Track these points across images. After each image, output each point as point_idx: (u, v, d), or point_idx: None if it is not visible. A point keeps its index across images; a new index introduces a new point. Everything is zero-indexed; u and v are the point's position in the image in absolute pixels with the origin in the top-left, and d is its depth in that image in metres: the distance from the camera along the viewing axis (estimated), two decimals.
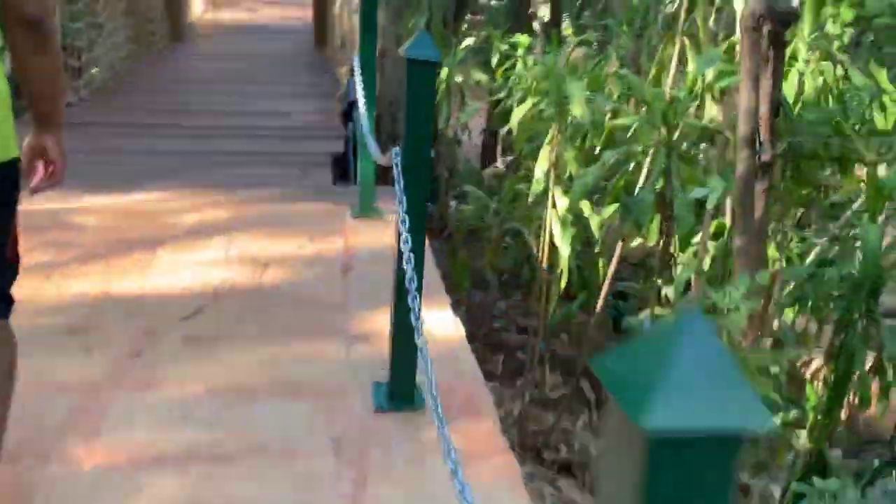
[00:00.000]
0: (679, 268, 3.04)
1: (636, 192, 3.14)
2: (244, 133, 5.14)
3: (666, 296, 3.32)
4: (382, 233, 3.36)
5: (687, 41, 3.39)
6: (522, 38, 7.13)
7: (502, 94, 6.83)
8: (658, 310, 3.44)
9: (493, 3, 8.98)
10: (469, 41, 6.96)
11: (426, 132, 2.01)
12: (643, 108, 3.34)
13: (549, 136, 3.88)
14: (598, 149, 3.74)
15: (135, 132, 4.96)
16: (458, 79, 6.75)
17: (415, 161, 1.99)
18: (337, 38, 8.18)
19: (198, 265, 2.93)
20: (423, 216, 2.00)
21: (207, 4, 12.35)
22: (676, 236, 3.10)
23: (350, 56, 6.18)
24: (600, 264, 3.88)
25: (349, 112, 4.66)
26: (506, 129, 6.45)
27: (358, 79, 3.49)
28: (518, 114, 4.47)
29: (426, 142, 2.03)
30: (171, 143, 4.83)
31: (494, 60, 7.11)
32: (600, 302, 3.79)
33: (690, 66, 3.34)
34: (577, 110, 3.43)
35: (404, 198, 1.91)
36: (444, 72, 6.79)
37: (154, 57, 7.77)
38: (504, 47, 7.13)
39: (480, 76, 6.93)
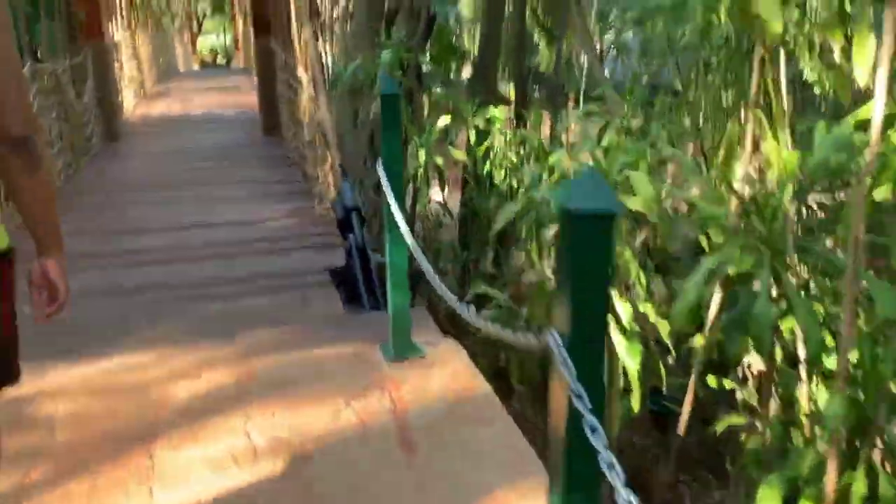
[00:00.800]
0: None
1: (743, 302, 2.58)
2: (215, 252, 4.43)
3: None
4: (431, 379, 2.71)
5: (761, 115, 2.89)
6: (496, 112, 6.66)
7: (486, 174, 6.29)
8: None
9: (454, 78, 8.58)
10: (444, 120, 6.44)
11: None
12: (729, 202, 2.81)
13: None
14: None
15: (87, 265, 4.21)
16: (438, 159, 6.22)
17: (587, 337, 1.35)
18: (287, 125, 7.59)
19: (214, 466, 2.22)
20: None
21: (137, 98, 11.63)
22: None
23: (314, 147, 5.60)
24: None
25: (348, 219, 4.02)
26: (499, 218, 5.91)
27: (386, 184, 2.87)
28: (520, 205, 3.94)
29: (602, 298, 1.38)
30: (131, 275, 4.09)
31: (470, 136, 6.61)
32: (681, 426, 3.20)
33: (770, 146, 2.84)
34: (647, 208, 2.88)
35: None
36: (420, 154, 6.24)
37: (92, 163, 7.01)
38: (477, 122, 6.64)
39: (460, 155, 6.40)
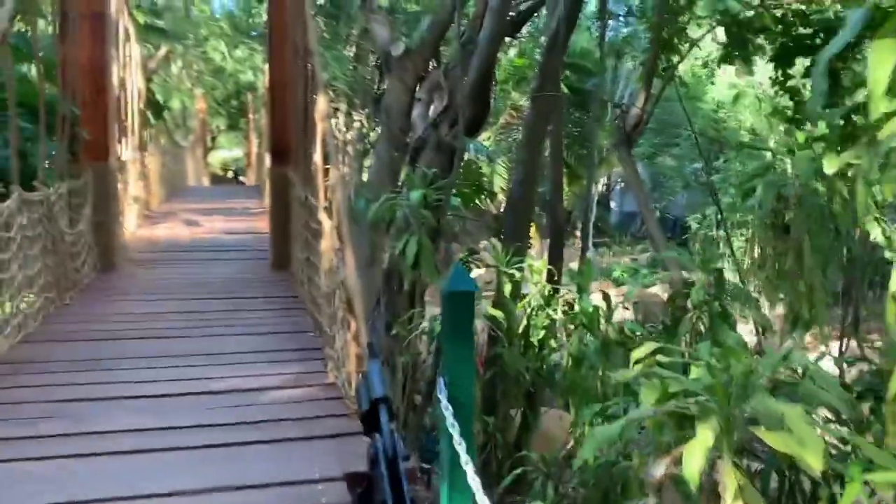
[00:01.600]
0: None
1: None
2: (205, 440, 3.57)
3: None
4: None
5: None
6: (536, 263, 5.94)
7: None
8: None
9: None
10: (479, 272, 5.70)
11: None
12: None
13: (700, 441, 2.45)
14: None
15: (48, 455, 3.34)
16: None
17: None
18: (299, 264, 6.87)
19: None
20: None
21: (141, 219, 11.01)
22: None
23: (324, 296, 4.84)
24: None
25: (374, 413, 3.19)
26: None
27: (449, 418, 2.08)
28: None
29: None
30: (85, 482, 3.21)
31: (504, 288, 5.87)
32: None
33: None
34: (814, 460, 2.06)
35: None
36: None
37: (78, 300, 6.23)
38: (512, 273, 5.93)
39: (496, 312, 5.63)
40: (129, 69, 10.98)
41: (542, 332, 5.42)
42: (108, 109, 7.68)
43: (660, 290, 22.48)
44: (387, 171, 9.15)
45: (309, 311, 5.69)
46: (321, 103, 4.78)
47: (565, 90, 12.32)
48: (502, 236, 6.90)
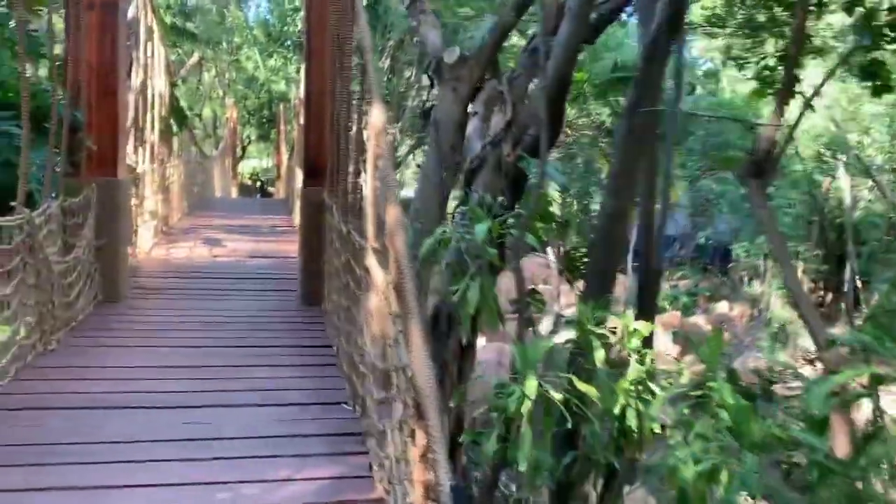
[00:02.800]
0: None
1: None
2: None
3: None
4: None
5: None
6: (636, 324, 4.74)
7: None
8: None
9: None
10: (558, 340, 4.54)
11: None
12: None
13: None
14: None
15: None
16: (555, 394, 4.28)
17: None
18: (334, 306, 5.75)
19: None
20: None
21: (158, 236, 9.96)
22: None
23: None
24: None
25: None
26: None
27: None
28: None
29: None
30: None
31: (596, 355, 4.67)
32: None
33: None
34: None
35: None
36: (529, 385, 4.32)
37: (68, 344, 5.12)
38: (603, 334, 4.75)
39: (587, 389, 4.42)
40: (150, 72, 9.98)
41: (652, 423, 4.21)
42: (119, 115, 6.62)
43: (702, 321, 21.10)
44: (435, 196, 7.99)
45: (345, 375, 4.53)
46: (376, 116, 3.65)
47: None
48: (585, 282, 5.72)
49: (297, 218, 12.10)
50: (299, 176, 11.75)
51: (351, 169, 5.20)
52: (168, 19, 13.46)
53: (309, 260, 6.97)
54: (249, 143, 38.71)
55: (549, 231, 6.39)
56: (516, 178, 6.87)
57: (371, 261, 3.61)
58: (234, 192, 29.03)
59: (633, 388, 4.33)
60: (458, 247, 5.57)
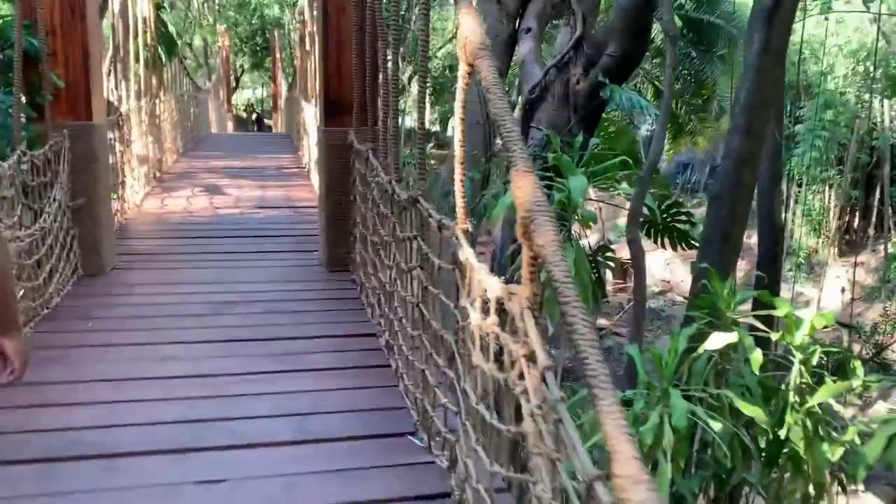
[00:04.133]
0: None
1: None
2: None
3: None
4: None
5: None
6: (807, 315, 3.53)
7: None
8: None
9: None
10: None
11: None
12: None
13: None
14: None
15: None
16: (714, 424, 3.12)
17: None
18: (367, 274, 4.56)
19: None
20: None
21: (151, 184, 8.67)
22: None
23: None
24: None
25: None
26: None
27: None
28: None
29: None
30: None
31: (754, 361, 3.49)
32: None
33: None
34: None
35: None
36: (676, 412, 3.15)
37: (35, 347, 3.90)
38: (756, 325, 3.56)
39: (754, 411, 3.25)
40: None
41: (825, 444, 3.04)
42: (91, 42, 5.26)
43: None
44: (479, 136, 6.67)
45: (409, 393, 3.32)
46: (469, 24, 2.38)
47: (678, 21, 9.70)
48: (700, 248, 4.50)
49: (305, 157, 10.78)
50: (307, 109, 10.38)
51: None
52: None
53: (333, 216, 5.71)
54: (243, 72, 36.86)
55: (635, 174, 5.14)
56: (589, 110, 5.57)
57: (468, 257, 2.36)
58: (230, 127, 27.51)
59: (807, 411, 3.14)
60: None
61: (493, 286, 2.13)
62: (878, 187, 18.87)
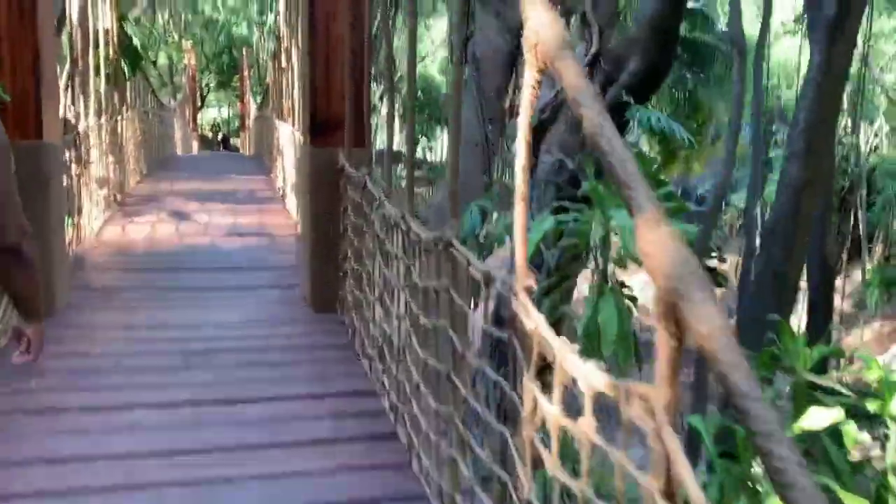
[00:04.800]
0: None
1: None
2: None
3: None
4: None
5: None
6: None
7: None
8: None
9: None
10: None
11: None
12: None
13: None
14: None
15: None
16: None
17: None
18: (360, 315, 3.95)
19: None
20: None
21: (112, 208, 7.95)
22: None
23: None
24: None
25: None
26: None
27: None
28: None
29: None
30: None
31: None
32: None
33: None
34: None
35: None
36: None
37: None
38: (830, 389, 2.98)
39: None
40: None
41: None
42: (43, 51, 4.59)
43: None
44: (477, 158, 6.10)
45: (418, 466, 2.69)
46: (540, 17, 1.77)
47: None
48: (751, 288, 3.94)
49: (279, 180, 10.12)
50: (282, 129, 9.74)
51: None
52: None
53: (319, 248, 5.06)
54: (209, 91, 36.04)
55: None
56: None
57: (539, 325, 1.75)
58: (195, 147, 26.69)
59: None
60: (559, 244, 3.74)
61: (593, 377, 1.52)
62: (851, 213, 18.80)
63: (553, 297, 3.83)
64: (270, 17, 26.98)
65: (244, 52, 27.71)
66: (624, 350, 3.29)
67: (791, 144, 3.99)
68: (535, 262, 3.66)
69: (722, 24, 10.39)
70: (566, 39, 1.84)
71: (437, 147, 28.39)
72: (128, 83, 10.46)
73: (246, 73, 27.17)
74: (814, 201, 4.01)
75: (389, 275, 3.35)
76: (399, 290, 3.10)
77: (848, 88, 19.27)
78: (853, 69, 18.76)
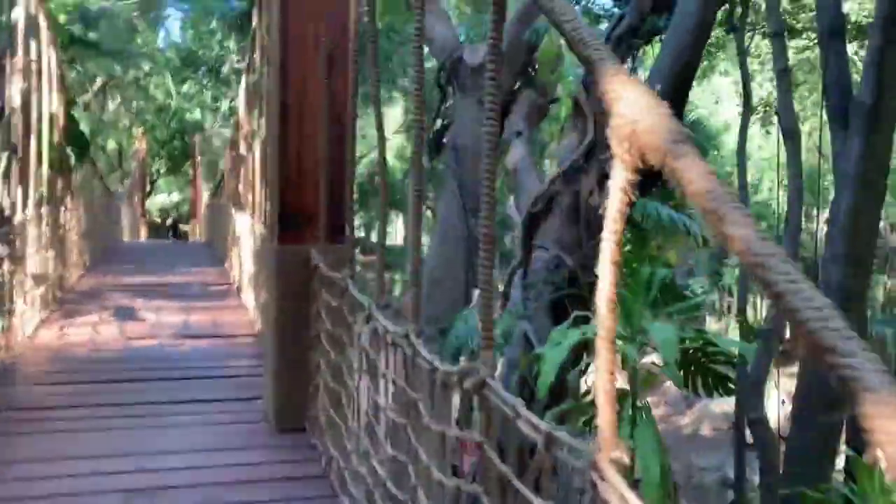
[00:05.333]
0: None
1: None
2: None
3: None
4: None
5: None
6: None
7: None
8: None
9: None
10: None
11: None
12: None
13: None
14: None
15: None
16: None
17: None
18: (332, 434, 3.36)
19: None
20: None
21: (48, 309, 7.22)
22: None
23: None
24: None
25: None
26: None
27: None
28: None
29: None
30: None
31: None
32: None
33: None
34: None
35: None
36: None
37: None
38: None
39: None
40: (36, 82, 7.30)
41: None
42: None
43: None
44: (459, 255, 5.63)
45: None
46: (639, 100, 1.27)
47: None
48: (796, 414, 3.45)
49: (234, 271, 9.50)
50: (239, 219, 9.18)
51: None
52: (60, 16, 10.67)
53: (284, 356, 4.45)
54: (159, 176, 35.34)
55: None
56: (602, 224, 4.60)
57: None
58: (143, 234, 25.85)
59: None
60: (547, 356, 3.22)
61: None
62: None
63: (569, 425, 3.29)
64: (224, 104, 26.72)
65: (196, 138, 27.29)
66: (664, 491, 2.75)
67: (830, 248, 3.60)
68: (554, 387, 3.10)
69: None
70: (681, 131, 1.34)
71: (393, 231, 28.02)
72: (74, 170, 9.84)
73: (198, 160, 26.67)
74: (862, 313, 3.61)
75: (383, 402, 2.78)
76: (401, 430, 2.52)
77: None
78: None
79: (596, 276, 3.29)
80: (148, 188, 32.09)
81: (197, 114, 30.79)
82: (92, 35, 12.91)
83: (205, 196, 22.54)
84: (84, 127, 9.32)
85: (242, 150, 8.97)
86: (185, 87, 28.69)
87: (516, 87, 5.91)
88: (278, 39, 4.49)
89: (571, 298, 4.38)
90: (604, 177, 4.61)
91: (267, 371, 4.67)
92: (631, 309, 3.00)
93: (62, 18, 10.18)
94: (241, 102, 9.39)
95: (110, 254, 12.69)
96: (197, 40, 26.81)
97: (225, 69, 25.84)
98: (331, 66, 4.35)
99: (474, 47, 5.81)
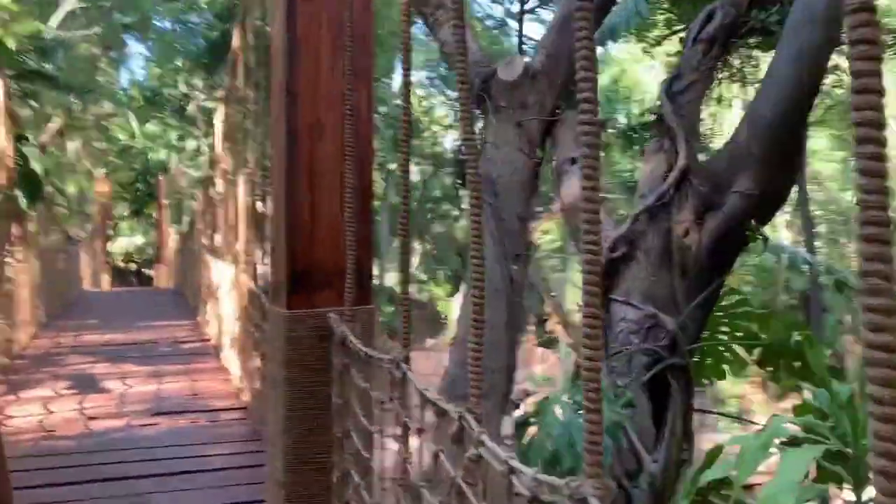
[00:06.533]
0: None
1: None
2: None
3: None
4: None
5: None
6: None
7: None
8: None
9: None
10: None
11: None
12: None
13: None
14: None
15: None
16: None
17: None
18: None
19: None
20: None
21: None
22: None
23: None
24: None
25: None
26: None
27: None
28: None
29: None
30: None
31: None
32: None
33: None
34: None
35: None
36: None
37: None
38: None
39: None
40: None
41: None
42: None
43: None
44: (501, 305, 4.59)
45: None
46: None
47: None
48: None
49: (210, 326, 8.37)
50: (216, 268, 8.06)
51: None
52: (9, 41, 9.56)
53: (294, 457, 3.36)
54: (122, 219, 33.90)
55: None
56: (712, 270, 3.61)
57: None
58: (105, 281, 24.43)
59: None
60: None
61: None
62: None
63: None
64: (191, 143, 25.61)
65: (161, 180, 26.11)
66: None
67: None
68: None
69: None
70: None
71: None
72: (27, 215, 8.68)
73: (164, 202, 25.44)
74: None
75: None
76: None
77: None
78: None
79: (701, 340, 2.18)
80: (111, 232, 30.66)
81: (162, 154, 29.59)
82: (48, 67, 11.81)
83: (171, 239, 21.30)
84: (37, 167, 8.18)
85: (220, 188, 7.90)
86: (148, 127, 27.58)
87: (558, 107, 4.97)
88: (286, 31, 3.47)
89: (673, 370, 3.38)
90: (705, 207, 3.65)
91: (271, 477, 3.57)
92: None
93: (11, 44, 9.08)
94: (217, 136, 8.34)
95: (70, 306, 11.45)
96: (161, 78, 25.83)
97: (190, 107, 24.85)
98: (353, 74, 3.34)
99: (510, 60, 4.84)
